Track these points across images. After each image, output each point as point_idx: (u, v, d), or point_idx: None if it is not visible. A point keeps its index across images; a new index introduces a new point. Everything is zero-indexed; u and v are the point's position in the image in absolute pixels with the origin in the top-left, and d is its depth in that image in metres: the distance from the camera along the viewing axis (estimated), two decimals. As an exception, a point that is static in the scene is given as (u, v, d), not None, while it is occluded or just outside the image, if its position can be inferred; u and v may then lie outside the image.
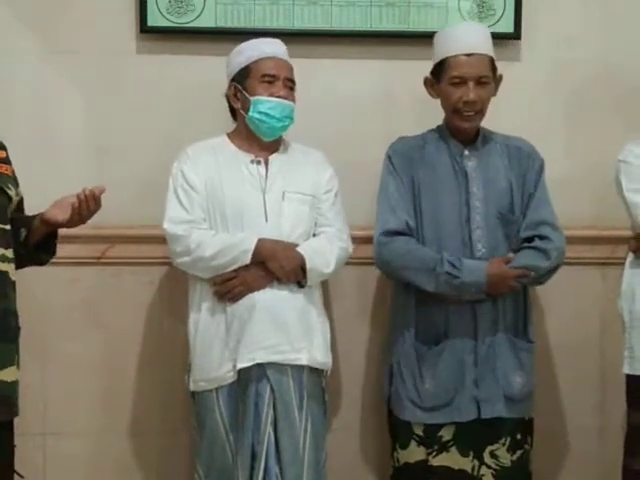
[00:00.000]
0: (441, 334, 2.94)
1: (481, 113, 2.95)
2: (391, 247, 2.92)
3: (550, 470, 3.26)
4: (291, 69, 2.97)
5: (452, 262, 2.87)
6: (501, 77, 2.98)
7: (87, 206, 2.56)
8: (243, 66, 2.94)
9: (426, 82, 3.00)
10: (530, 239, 2.95)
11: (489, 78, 2.93)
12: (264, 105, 2.90)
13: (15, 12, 3.24)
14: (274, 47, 2.98)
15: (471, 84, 2.89)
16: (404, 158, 3.00)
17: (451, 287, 2.87)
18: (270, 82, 2.92)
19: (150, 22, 3.25)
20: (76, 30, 3.27)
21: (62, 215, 2.56)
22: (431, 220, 2.95)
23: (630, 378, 3.00)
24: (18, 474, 2.58)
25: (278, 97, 2.91)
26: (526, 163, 3.00)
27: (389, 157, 3.02)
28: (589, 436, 3.47)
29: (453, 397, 2.92)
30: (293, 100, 2.96)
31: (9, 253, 2.48)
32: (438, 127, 3.04)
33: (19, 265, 2.59)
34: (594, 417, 3.46)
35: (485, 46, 2.94)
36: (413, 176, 2.97)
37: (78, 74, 3.28)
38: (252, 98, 2.92)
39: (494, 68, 2.95)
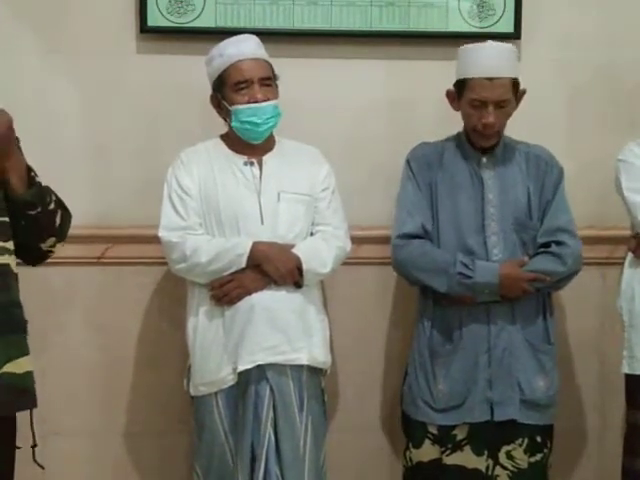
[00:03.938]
0: (455, 335, 2.95)
1: (499, 132, 2.96)
2: (406, 250, 2.94)
3: (549, 469, 3.25)
4: (264, 66, 2.92)
5: (465, 263, 2.88)
6: (524, 91, 2.96)
7: None
8: (216, 75, 2.92)
9: (448, 95, 2.98)
10: (547, 245, 2.96)
11: (509, 100, 2.91)
12: (244, 114, 2.88)
13: (15, 12, 3.24)
14: (242, 47, 2.92)
15: (491, 107, 2.88)
16: (422, 163, 3.01)
17: (464, 288, 2.88)
18: (245, 87, 2.88)
19: (150, 22, 3.25)
20: (76, 30, 3.26)
21: None
22: (448, 225, 2.96)
23: (629, 378, 3.01)
24: (39, 465, 2.55)
25: (255, 102, 2.88)
26: (544, 171, 3.01)
27: (408, 162, 3.04)
28: (589, 436, 3.47)
29: (466, 398, 2.92)
30: (274, 96, 2.92)
31: (9, 245, 2.44)
32: (458, 134, 3.04)
33: (22, 237, 2.43)
34: (594, 417, 3.46)
35: (508, 69, 2.91)
36: (431, 181, 2.99)
37: (78, 74, 3.28)
38: (231, 108, 2.90)
39: (516, 87, 2.93)
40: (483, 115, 2.89)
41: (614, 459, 3.16)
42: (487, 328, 2.93)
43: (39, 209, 2.40)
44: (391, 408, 3.33)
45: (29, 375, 2.44)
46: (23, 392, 2.43)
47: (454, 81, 2.96)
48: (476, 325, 2.93)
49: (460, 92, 2.94)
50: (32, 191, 2.39)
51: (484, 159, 2.98)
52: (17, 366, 2.41)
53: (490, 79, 2.87)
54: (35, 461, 2.53)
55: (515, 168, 3.00)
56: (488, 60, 2.89)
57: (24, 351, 2.45)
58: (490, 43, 2.95)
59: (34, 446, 2.51)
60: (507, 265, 2.90)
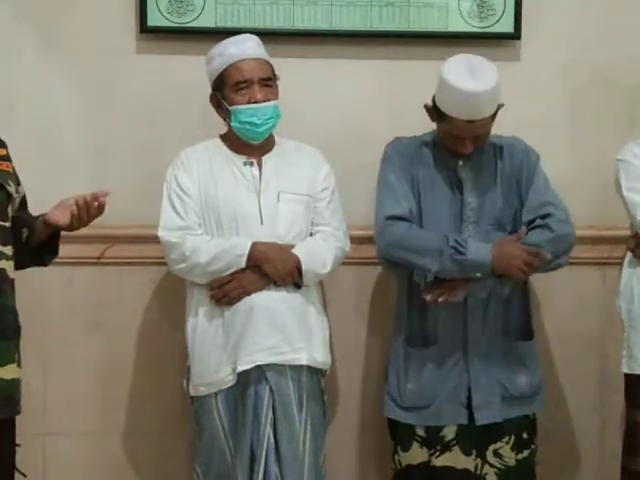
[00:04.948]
0: (431, 338, 2.94)
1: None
2: (393, 229, 2.88)
3: (549, 469, 3.26)
4: (264, 66, 2.92)
5: (457, 240, 2.82)
6: (502, 105, 2.89)
7: (87, 211, 2.54)
8: (216, 75, 2.92)
9: (427, 108, 2.92)
10: (533, 221, 2.91)
11: (488, 130, 2.88)
12: (244, 114, 2.89)
13: (15, 12, 3.24)
14: (242, 47, 2.92)
15: (468, 141, 2.85)
16: (404, 156, 2.98)
17: (456, 265, 2.81)
18: (245, 87, 2.88)
19: (150, 22, 3.25)
20: (76, 30, 3.27)
21: (62, 218, 2.54)
22: (425, 226, 2.93)
23: (628, 377, 3.01)
24: (20, 472, 2.59)
25: (255, 102, 2.88)
26: (520, 159, 2.97)
27: (388, 154, 2.99)
28: (589, 435, 3.47)
29: (433, 401, 2.92)
30: (274, 96, 2.92)
31: (7, 250, 2.48)
32: (434, 132, 3.01)
33: (21, 265, 2.59)
34: (594, 416, 3.46)
35: (489, 108, 2.82)
36: (412, 174, 2.96)
37: (78, 74, 3.28)
38: (231, 108, 2.90)
39: (497, 110, 2.88)
40: (459, 145, 2.87)
41: (614, 459, 3.16)
42: (463, 333, 2.92)
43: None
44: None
45: (15, 382, 2.47)
46: (6, 399, 2.45)
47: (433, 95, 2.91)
48: (452, 330, 2.92)
49: (438, 115, 2.88)
50: (53, 257, 2.69)
51: (460, 162, 2.93)
52: (5, 372, 2.42)
53: (470, 121, 2.81)
54: (16, 469, 2.55)
55: (492, 164, 2.97)
56: (469, 106, 2.78)
57: (12, 358, 2.46)
58: (472, 85, 2.76)
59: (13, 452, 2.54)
60: (500, 243, 2.83)
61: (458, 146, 2.88)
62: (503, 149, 2.99)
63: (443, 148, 2.96)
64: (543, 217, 2.90)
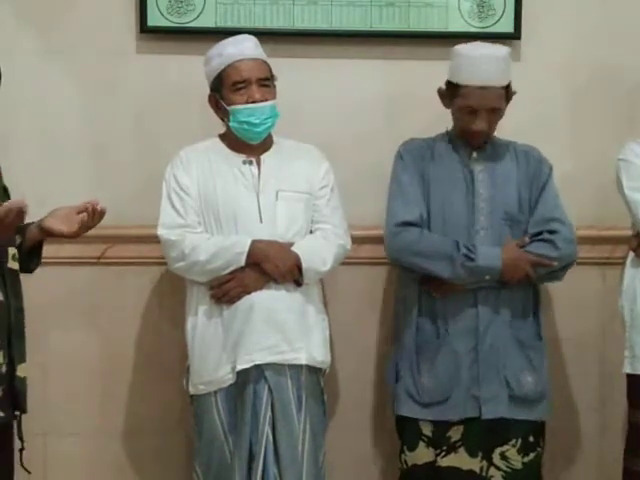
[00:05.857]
0: (441, 330, 2.94)
1: (489, 135, 2.97)
2: (404, 235, 2.91)
3: (551, 469, 3.25)
4: (262, 66, 2.92)
5: (468, 247, 2.86)
6: (514, 92, 2.94)
7: (92, 219, 2.57)
8: (215, 75, 2.93)
9: (440, 92, 2.97)
10: (539, 234, 2.94)
11: (501, 106, 2.91)
12: (242, 114, 2.89)
13: (15, 12, 3.25)
14: (241, 47, 2.92)
15: (482, 114, 2.88)
16: (416, 156, 3.01)
17: (467, 271, 2.85)
18: (243, 87, 2.89)
19: (150, 22, 3.26)
20: (76, 30, 3.27)
21: (66, 227, 2.55)
22: (437, 220, 2.95)
23: (631, 378, 3.01)
24: (25, 469, 2.59)
25: (253, 102, 2.89)
26: (534, 167, 3.01)
27: (400, 154, 3.02)
28: (589, 436, 3.47)
29: (450, 395, 2.92)
30: (272, 96, 2.93)
31: (16, 252, 2.51)
32: (447, 131, 3.04)
33: None
34: (594, 417, 3.46)
35: (501, 77, 2.89)
36: (424, 173, 2.98)
37: (78, 74, 3.28)
38: (229, 108, 2.90)
39: (508, 90, 2.92)
40: (474, 122, 2.89)
41: (614, 459, 3.16)
42: (474, 325, 2.92)
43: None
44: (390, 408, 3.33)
45: (26, 381, 2.52)
46: (22, 396, 2.51)
47: (446, 79, 2.95)
48: (463, 321, 2.92)
49: (452, 93, 2.93)
50: (38, 263, 2.68)
51: (474, 154, 2.98)
52: (21, 370, 2.50)
53: (483, 87, 2.86)
54: (22, 466, 2.56)
55: (505, 163, 3.00)
56: (481, 69, 2.86)
57: (25, 357, 2.52)
58: (483, 49, 2.91)
59: (22, 449, 2.55)
60: (508, 247, 2.89)
61: (473, 122, 2.89)
62: (517, 151, 3.03)
63: (457, 142, 2.99)
64: (550, 232, 2.93)
